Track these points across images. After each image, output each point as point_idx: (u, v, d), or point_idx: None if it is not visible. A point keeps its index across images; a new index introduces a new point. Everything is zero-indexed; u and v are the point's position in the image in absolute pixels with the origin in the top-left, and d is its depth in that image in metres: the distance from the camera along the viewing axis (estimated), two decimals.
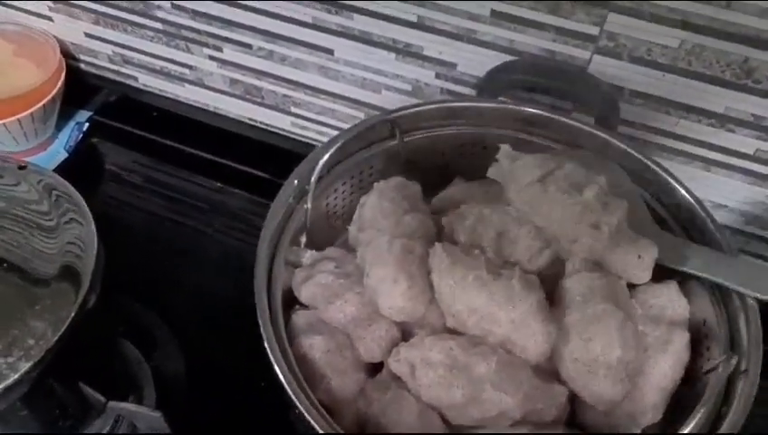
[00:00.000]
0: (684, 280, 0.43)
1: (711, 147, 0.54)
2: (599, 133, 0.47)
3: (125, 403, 0.50)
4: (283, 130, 0.73)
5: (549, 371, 0.40)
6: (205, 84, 0.72)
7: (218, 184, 0.71)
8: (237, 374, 0.56)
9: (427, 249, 0.40)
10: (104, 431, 0.51)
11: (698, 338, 0.42)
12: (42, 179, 0.45)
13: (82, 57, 0.77)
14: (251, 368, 0.53)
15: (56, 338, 0.37)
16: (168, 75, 0.74)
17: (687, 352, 0.40)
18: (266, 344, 0.37)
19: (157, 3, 0.65)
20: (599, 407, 0.38)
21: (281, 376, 0.36)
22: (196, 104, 0.75)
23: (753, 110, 0.50)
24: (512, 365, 0.37)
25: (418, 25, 0.56)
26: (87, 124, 0.75)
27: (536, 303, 0.38)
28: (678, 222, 0.45)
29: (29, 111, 0.67)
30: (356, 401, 0.38)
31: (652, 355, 0.40)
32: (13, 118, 0.67)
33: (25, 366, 0.36)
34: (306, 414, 0.34)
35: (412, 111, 0.47)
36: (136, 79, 0.76)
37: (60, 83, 0.70)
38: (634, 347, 0.38)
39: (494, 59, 0.55)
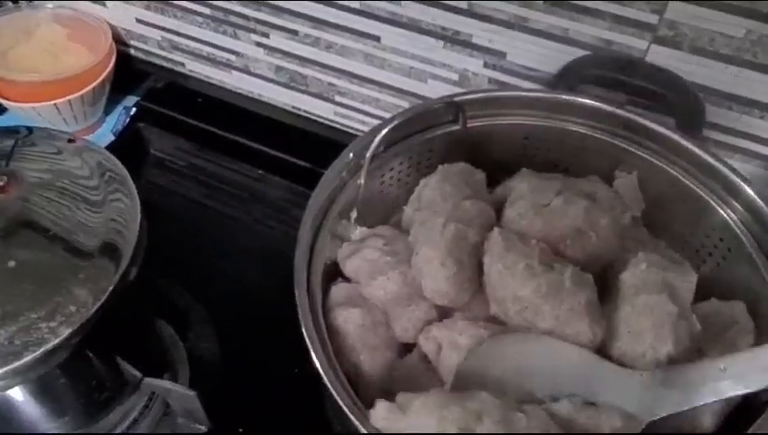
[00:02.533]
0: (755, 300, 0.40)
1: None
2: (672, 136, 0.44)
3: (160, 380, 0.51)
4: (327, 118, 0.73)
5: None
6: (251, 71, 0.73)
7: (260, 171, 0.71)
8: (272, 359, 0.55)
9: (482, 238, 0.39)
10: (138, 407, 0.52)
11: None
12: (92, 155, 0.45)
13: (133, 43, 0.78)
14: (286, 354, 0.53)
15: (97, 306, 0.37)
16: (215, 62, 0.74)
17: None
18: (299, 310, 0.36)
19: None
20: None
21: (309, 344, 0.35)
22: (242, 91, 0.76)
23: None
24: None
25: (468, 12, 0.54)
26: (134, 109, 0.76)
27: (585, 301, 0.36)
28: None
29: (80, 92, 0.69)
30: (382, 379, 0.37)
31: None
32: (64, 99, 0.68)
33: (66, 332, 0.36)
34: (329, 385, 0.33)
35: (479, 96, 0.46)
36: (183, 65, 0.77)
37: (110, 67, 0.72)
38: (687, 342, 0.35)
39: (547, 48, 0.53)
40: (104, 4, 0.75)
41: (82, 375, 0.45)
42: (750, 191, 0.41)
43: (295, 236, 0.41)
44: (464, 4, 0.54)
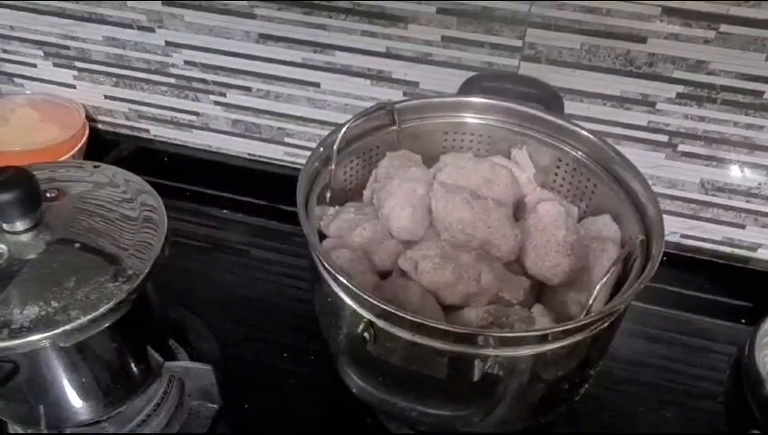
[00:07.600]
0: (618, 214, 0.58)
1: (615, 124, 0.71)
2: (555, 120, 0.60)
3: (178, 362, 0.61)
4: (278, 159, 0.87)
5: (517, 271, 0.54)
6: (210, 127, 0.87)
7: (224, 211, 0.84)
8: (265, 350, 0.67)
9: (426, 191, 0.55)
10: (159, 393, 0.61)
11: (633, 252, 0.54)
12: (113, 172, 0.57)
13: (101, 118, 0.90)
14: (277, 346, 0.67)
15: (149, 268, 0.49)
16: (178, 124, 0.88)
17: (619, 260, 0.50)
18: (311, 249, 0.48)
19: (171, 60, 0.81)
20: (555, 280, 0.51)
21: (325, 263, 0.46)
22: (202, 147, 0.89)
23: (640, 90, 0.68)
24: (487, 256, 0.51)
25: (387, 54, 0.73)
26: None
27: (506, 213, 0.52)
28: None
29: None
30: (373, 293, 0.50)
31: (593, 258, 0.54)
32: None
33: (129, 287, 0.47)
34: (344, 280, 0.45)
35: (408, 103, 0.61)
36: (148, 131, 0.90)
37: (84, 139, 0.83)
38: (575, 232, 0.52)
39: (447, 74, 0.72)
40: (74, 87, 0.87)
41: (120, 354, 0.54)
42: (593, 138, 0.59)
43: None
44: (383, 48, 0.72)
